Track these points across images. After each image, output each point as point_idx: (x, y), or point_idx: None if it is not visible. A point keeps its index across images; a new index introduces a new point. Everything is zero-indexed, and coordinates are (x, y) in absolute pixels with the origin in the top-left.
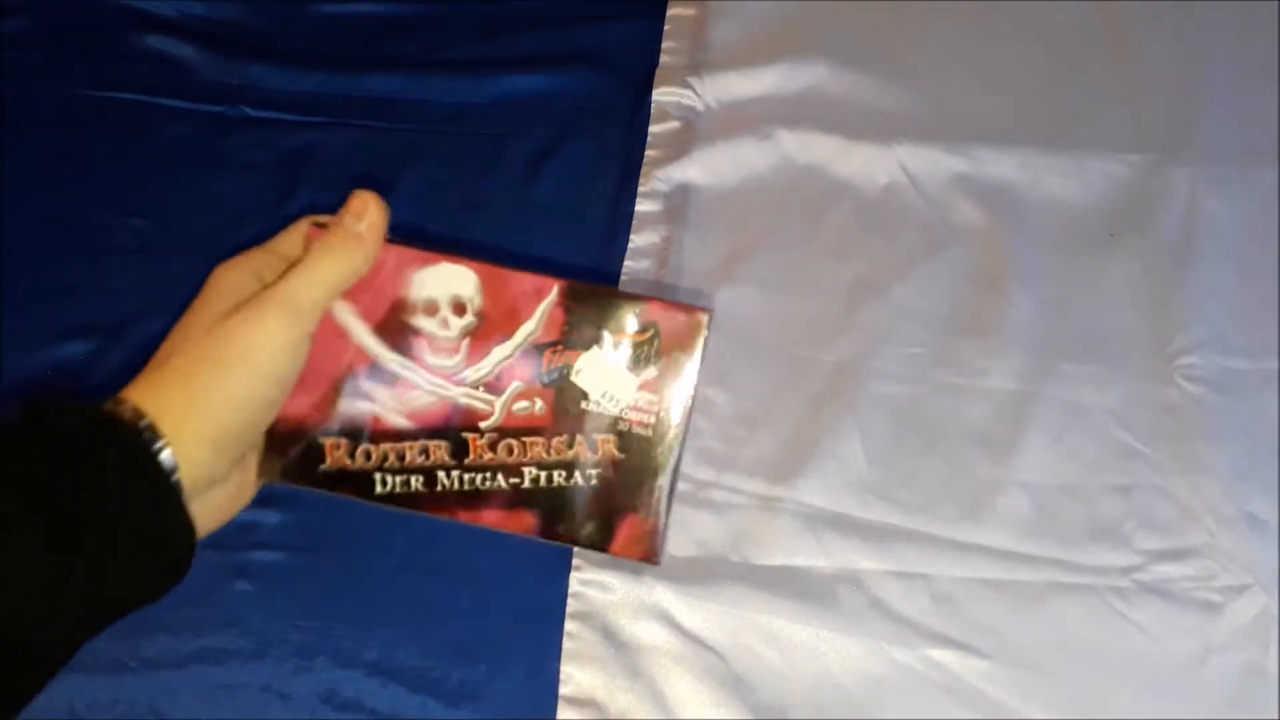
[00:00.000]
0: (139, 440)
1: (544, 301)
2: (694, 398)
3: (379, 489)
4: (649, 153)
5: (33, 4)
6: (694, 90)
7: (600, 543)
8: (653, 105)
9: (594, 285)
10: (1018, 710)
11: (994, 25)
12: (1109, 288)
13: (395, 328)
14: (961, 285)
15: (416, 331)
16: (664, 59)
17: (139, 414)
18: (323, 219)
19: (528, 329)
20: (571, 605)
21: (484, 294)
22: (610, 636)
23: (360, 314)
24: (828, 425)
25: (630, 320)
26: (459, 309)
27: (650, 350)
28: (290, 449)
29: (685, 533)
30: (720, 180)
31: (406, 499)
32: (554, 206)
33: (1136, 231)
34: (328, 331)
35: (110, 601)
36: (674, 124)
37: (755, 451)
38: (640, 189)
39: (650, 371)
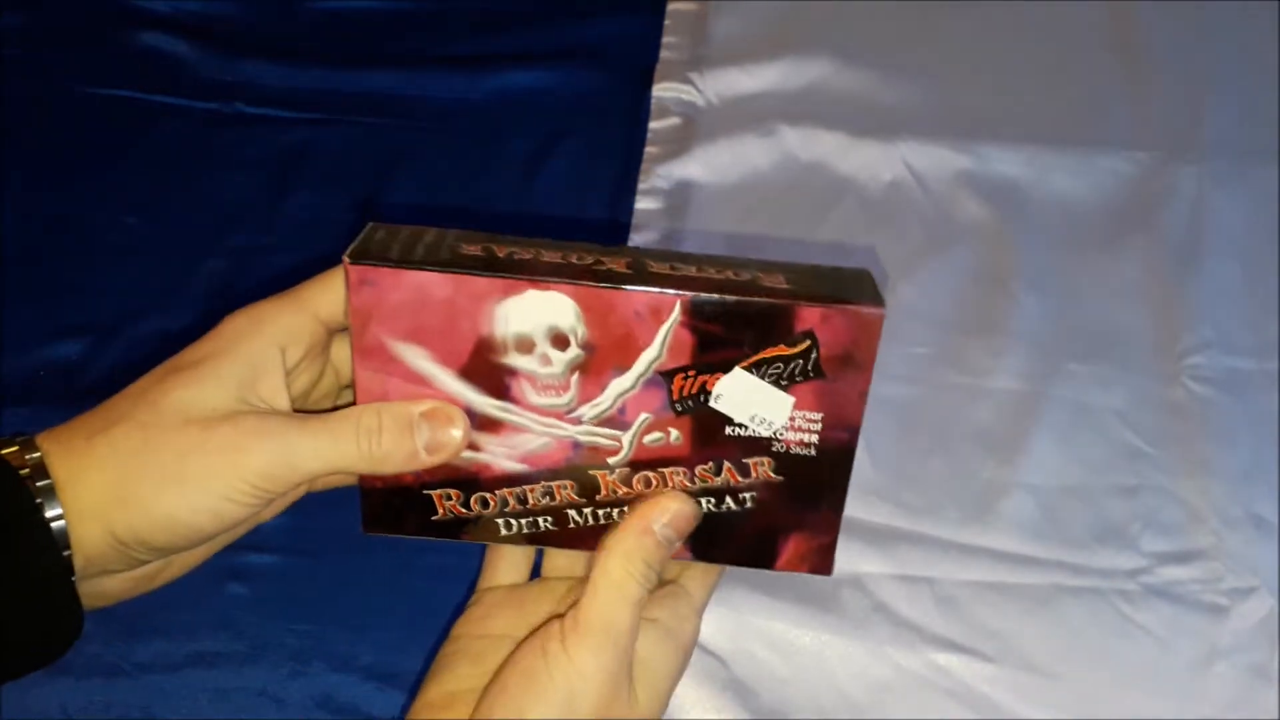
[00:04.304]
0: (35, 510)
1: (665, 323)
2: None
3: (504, 532)
4: (649, 149)
5: (27, 0)
6: (695, 86)
7: (763, 562)
8: (653, 101)
9: (729, 294)
10: (1023, 714)
11: (1000, 21)
12: (1115, 286)
13: (486, 370)
14: (966, 284)
15: (513, 371)
16: (664, 54)
17: (43, 474)
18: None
19: (649, 356)
20: None
21: (587, 322)
22: None
23: (438, 359)
24: None
25: (779, 332)
26: (560, 342)
27: (807, 364)
28: (392, 505)
29: None
30: (721, 177)
31: (536, 539)
32: (552, 204)
33: (1143, 230)
34: (406, 380)
35: None
36: (674, 120)
37: None
38: (640, 186)
39: (809, 388)
